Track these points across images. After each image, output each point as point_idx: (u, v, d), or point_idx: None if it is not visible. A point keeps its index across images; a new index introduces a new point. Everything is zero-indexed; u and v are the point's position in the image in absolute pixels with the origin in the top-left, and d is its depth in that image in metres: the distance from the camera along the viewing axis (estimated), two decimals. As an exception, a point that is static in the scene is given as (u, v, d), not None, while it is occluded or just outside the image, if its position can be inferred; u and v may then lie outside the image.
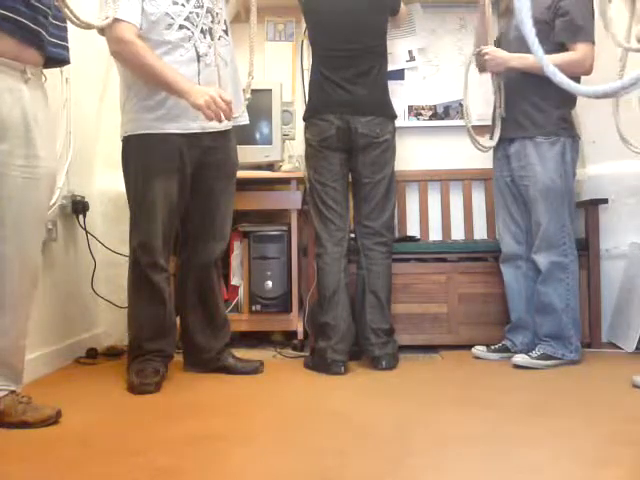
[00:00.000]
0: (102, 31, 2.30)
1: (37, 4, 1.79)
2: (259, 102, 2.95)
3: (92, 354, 2.93)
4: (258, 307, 3.15)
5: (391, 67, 3.12)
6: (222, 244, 2.65)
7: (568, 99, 2.67)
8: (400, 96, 3.54)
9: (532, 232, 2.77)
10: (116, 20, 2.21)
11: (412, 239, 3.36)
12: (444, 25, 3.64)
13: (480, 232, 3.56)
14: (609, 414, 1.99)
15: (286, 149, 3.37)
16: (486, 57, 2.75)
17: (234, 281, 3.20)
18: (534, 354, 2.67)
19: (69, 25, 1.95)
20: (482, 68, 2.88)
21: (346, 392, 2.38)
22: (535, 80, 2.49)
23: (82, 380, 2.57)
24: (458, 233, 3.56)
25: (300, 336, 3.12)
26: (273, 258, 3.16)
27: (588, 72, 2.63)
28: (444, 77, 3.62)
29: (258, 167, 3.20)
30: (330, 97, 2.76)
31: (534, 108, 2.71)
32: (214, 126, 2.43)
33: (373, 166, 2.79)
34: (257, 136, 3.21)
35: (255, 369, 2.64)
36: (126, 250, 2.58)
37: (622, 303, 3.09)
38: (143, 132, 2.41)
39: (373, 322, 2.75)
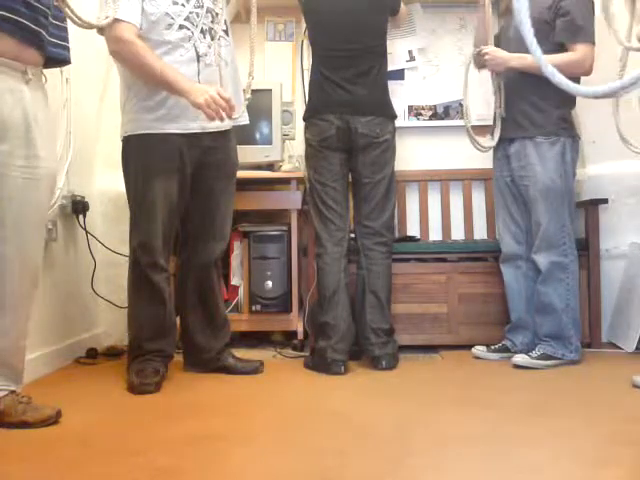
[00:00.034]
0: (101, 30, 2.30)
1: (37, 4, 1.79)
2: (259, 102, 2.95)
3: (92, 354, 2.93)
4: (258, 307, 3.15)
5: (391, 67, 3.12)
6: (222, 244, 2.65)
7: (568, 99, 2.68)
8: (400, 96, 3.54)
9: (532, 232, 2.77)
10: (116, 20, 2.22)
11: (412, 239, 3.36)
12: (444, 25, 3.64)
13: (480, 232, 3.56)
14: (609, 414, 1.99)
15: (286, 149, 3.37)
16: (486, 57, 2.75)
17: (234, 281, 3.20)
18: (534, 354, 2.67)
19: (69, 25, 1.95)
20: (481, 65, 2.88)
21: (346, 392, 2.38)
22: (535, 80, 2.48)
23: (82, 380, 2.57)
24: (458, 233, 3.56)
25: (300, 336, 3.12)
26: (273, 258, 3.16)
27: (588, 73, 2.63)
28: (444, 77, 3.62)
29: (258, 167, 3.20)
30: (330, 97, 2.76)
31: (534, 108, 2.71)
32: (214, 126, 2.43)
33: (373, 166, 2.79)
34: (257, 136, 3.22)
35: (255, 369, 2.64)
36: (126, 250, 2.58)
37: (622, 303, 3.09)
38: (143, 132, 2.42)
39: (373, 322, 2.75)
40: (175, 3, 2.39)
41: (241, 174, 2.76)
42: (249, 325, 3.18)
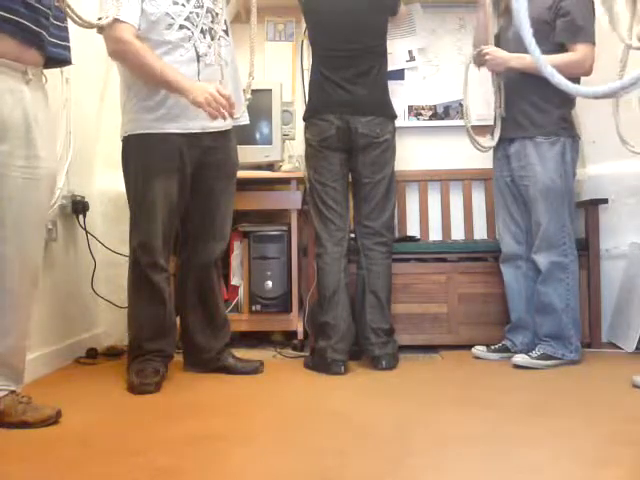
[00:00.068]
0: (101, 30, 2.29)
1: (37, 5, 1.79)
2: (259, 102, 2.95)
3: (92, 354, 2.93)
4: (258, 307, 3.15)
5: (391, 67, 3.12)
6: (222, 244, 2.65)
7: (568, 99, 2.68)
8: (400, 96, 3.54)
9: (532, 232, 2.77)
10: (115, 20, 2.21)
11: (412, 239, 3.36)
12: (444, 25, 3.64)
13: (480, 232, 3.56)
14: (609, 414, 1.99)
15: (286, 149, 3.37)
16: (486, 57, 2.75)
17: (234, 281, 3.20)
18: (534, 354, 2.67)
19: (70, 25, 1.95)
20: (480, 63, 2.87)
21: (346, 392, 2.38)
22: (535, 80, 2.47)
23: (82, 380, 2.57)
24: (458, 233, 3.56)
25: (300, 336, 3.12)
26: (273, 258, 3.16)
27: (588, 73, 2.63)
28: (444, 77, 3.62)
29: (258, 167, 3.20)
30: (330, 97, 2.76)
31: (534, 108, 2.72)
32: (215, 126, 2.43)
33: (373, 166, 2.79)
34: (257, 136, 3.22)
35: (255, 369, 2.64)
36: (126, 250, 2.58)
37: (622, 303, 3.09)
38: (143, 132, 2.42)
39: (373, 322, 2.75)
40: (175, 3, 2.39)
41: (241, 174, 2.76)
42: (249, 325, 3.18)
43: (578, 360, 2.71)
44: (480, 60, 2.83)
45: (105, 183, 3.22)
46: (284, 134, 3.25)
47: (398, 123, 2.95)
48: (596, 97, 1.16)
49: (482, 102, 3.28)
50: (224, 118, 2.30)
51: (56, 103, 2.49)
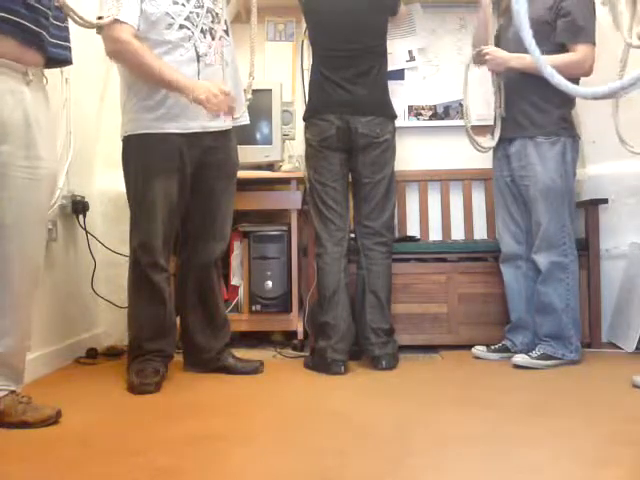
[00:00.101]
0: (99, 30, 2.29)
1: (37, 5, 1.79)
2: (259, 102, 2.95)
3: (92, 354, 2.93)
4: (258, 307, 3.15)
5: (391, 67, 3.11)
6: (222, 244, 2.65)
7: (568, 99, 2.67)
8: (400, 96, 3.54)
9: (532, 232, 2.77)
10: (115, 20, 2.21)
11: (412, 239, 3.36)
12: (444, 25, 3.64)
13: (480, 232, 3.56)
14: (609, 414, 1.99)
15: (286, 149, 3.37)
16: (487, 57, 2.75)
17: (234, 281, 3.20)
18: (534, 354, 2.67)
19: (70, 25, 1.95)
20: (479, 62, 2.87)
21: (346, 392, 2.38)
22: (535, 80, 2.47)
23: (82, 380, 2.57)
24: (458, 233, 3.56)
25: (300, 336, 3.12)
26: (273, 258, 3.16)
27: (588, 73, 2.63)
28: (444, 77, 3.62)
29: (258, 167, 3.20)
30: (330, 97, 2.76)
31: (534, 108, 2.72)
32: (215, 125, 2.43)
33: (373, 166, 2.79)
34: (257, 136, 3.22)
35: (255, 369, 2.64)
36: (126, 250, 2.58)
37: (622, 303, 3.09)
38: (143, 132, 2.42)
39: (373, 322, 2.76)
40: (175, 3, 2.39)
41: (241, 174, 2.76)
42: (249, 325, 3.18)
43: (578, 360, 2.71)
44: (480, 60, 2.83)
45: (105, 183, 3.22)
46: (284, 134, 3.25)
47: (398, 123, 2.95)
48: (596, 98, 1.16)
49: (482, 102, 3.28)
50: (228, 114, 2.30)
51: (56, 103, 2.49)
